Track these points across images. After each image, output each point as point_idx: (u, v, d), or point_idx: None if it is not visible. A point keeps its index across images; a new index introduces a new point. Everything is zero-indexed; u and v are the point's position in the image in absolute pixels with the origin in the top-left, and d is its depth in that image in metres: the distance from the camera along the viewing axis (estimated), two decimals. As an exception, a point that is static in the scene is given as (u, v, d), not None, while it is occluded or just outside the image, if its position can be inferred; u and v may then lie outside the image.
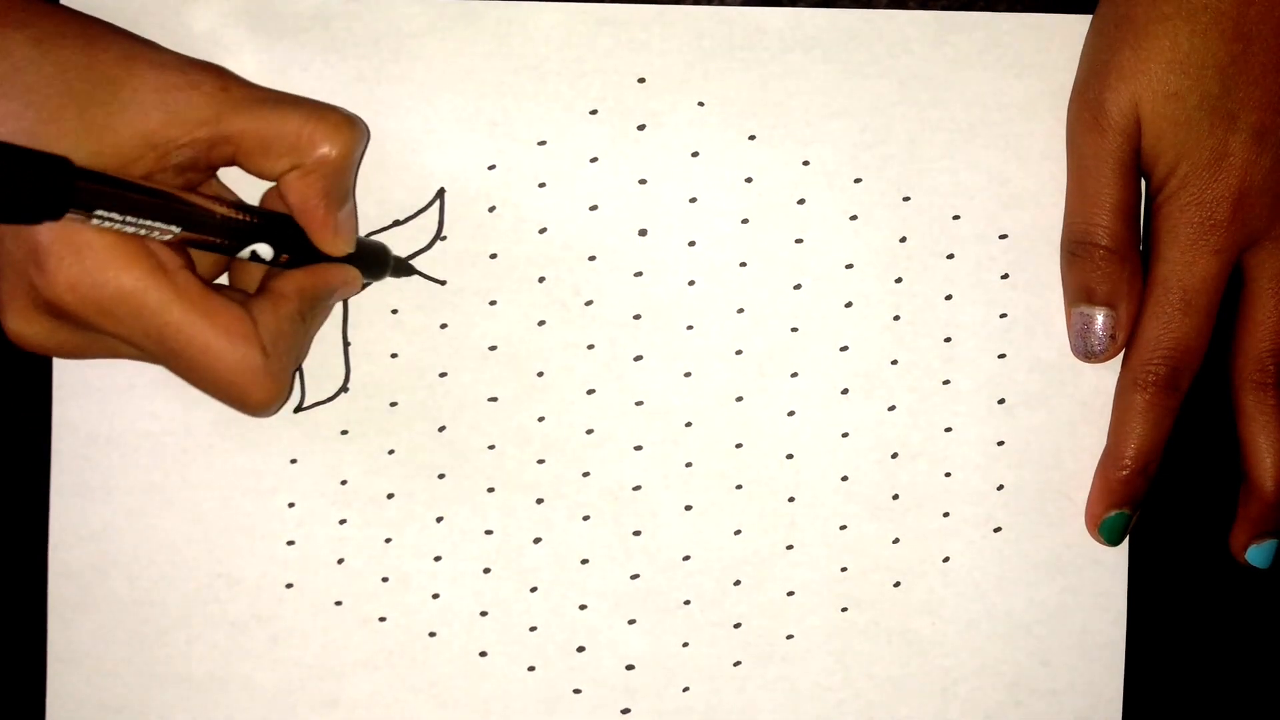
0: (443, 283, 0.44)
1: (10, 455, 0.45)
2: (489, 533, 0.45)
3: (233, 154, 0.38)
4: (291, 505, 0.44)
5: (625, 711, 0.45)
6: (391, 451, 0.44)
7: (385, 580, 0.45)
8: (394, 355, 0.44)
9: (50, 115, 0.35)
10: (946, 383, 0.45)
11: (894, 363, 0.45)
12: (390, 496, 0.45)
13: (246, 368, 0.37)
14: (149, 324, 0.36)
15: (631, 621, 0.45)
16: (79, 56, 0.36)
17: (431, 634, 0.45)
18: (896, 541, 0.45)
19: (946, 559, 0.45)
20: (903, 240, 0.45)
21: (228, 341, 0.37)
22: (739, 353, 0.45)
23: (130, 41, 0.38)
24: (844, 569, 0.45)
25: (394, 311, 0.44)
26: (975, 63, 0.44)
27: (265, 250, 0.39)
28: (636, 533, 0.45)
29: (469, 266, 0.44)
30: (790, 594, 0.45)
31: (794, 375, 0.45)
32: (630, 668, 0.45)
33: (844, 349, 0.45)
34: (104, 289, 0.36)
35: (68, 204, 0.34)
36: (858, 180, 0.44)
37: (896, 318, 0.45)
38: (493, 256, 0.44)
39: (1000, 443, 0.45)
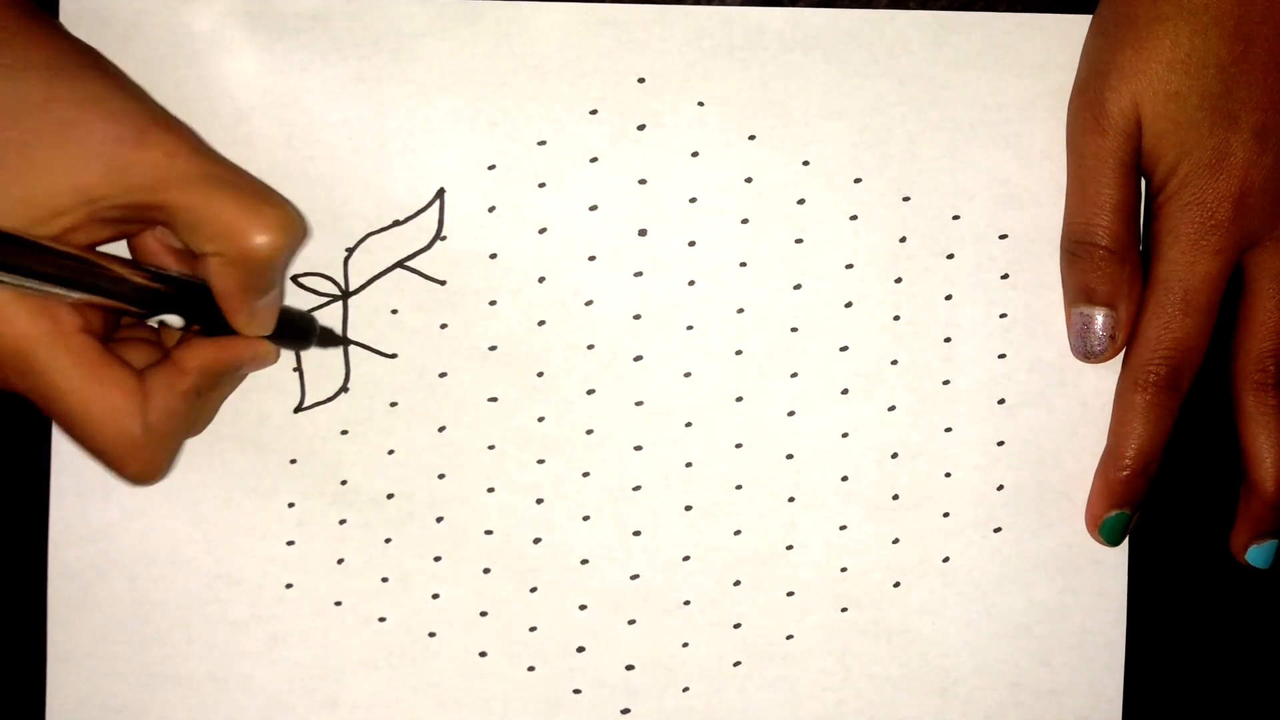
0: (443, 283, 0.44)
1: (10, 455, 0.45)
2: (489, 533, 0.45)
3: (164, 220, 0.37)
4: (291, 505, 0.44)
5: (625, 712, 0.45)
6: (391, 451, 0.44)
7: (385, 580, 0.45)
8: (394, 355, 0.44)
9: None
10: (946, 383, 0.45)
11: (894, 363, 0.45)
12: (390, 496, 0.45)
13: (124, 441, 0.37)
14: (34, 383, 0.36)
15: (631, 621, 0.45)
16: (38, 92, 0.36)
17: (431, 634, 0.45)
18: (896, 541, 0.45)
19: (946, 559, 0.45)
20: (903, 240, 0.45)
21: (108, 415, 0.37)
22: (739, 353, 0.45)
23: (96, 83, 0.37)
24: (844, 569, 0.45)
25: (394, 311, 0.44)
26: (975, 63, 0.44)
27: (174, 320, 0.38)
28: (636, 533, 0.45)
29: (469, 266, 0.44)
30: (790, 594, 0.45)
31: (794, 375, 0.45)
32: (630, 668, 0.45)
33: (844, 349, 0.45)
34: None
35: None
36: (858, 180, 0.44)
37: (896, 318, 0.45)
38: (493, 256, 0.44)
39: (1000, 443, 0.45)
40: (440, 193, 0.44)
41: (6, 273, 0.34)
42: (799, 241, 0.45)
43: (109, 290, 0.37)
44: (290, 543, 0.44)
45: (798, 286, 0.45)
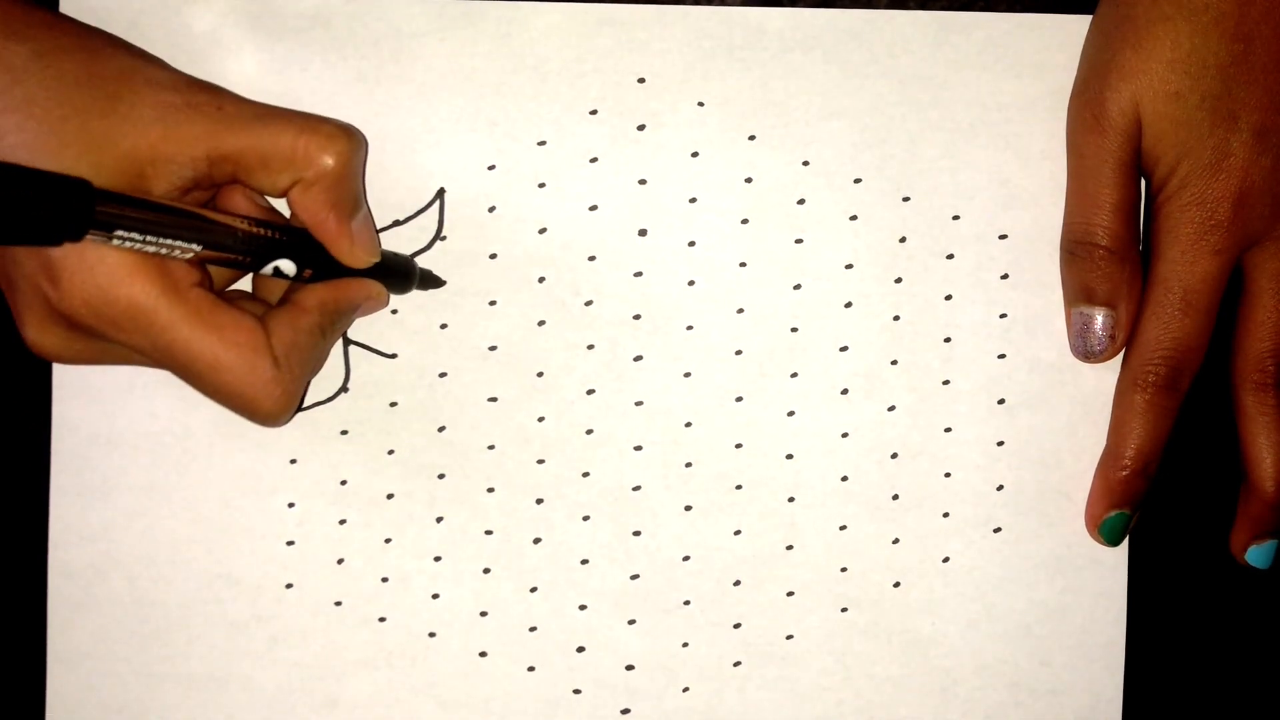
0: (443, 283, 0.44)
1: (10, 455, 0.45)
2: (489, 533, 0.45)
3: (234, 172, 0.38)
4: (291, 505, 0.44)
5: (625, 712, 0.45)
6: (391, 452, 0.44)
7: (385, 580, 0.45)
8: (394, 355, 0.44)
9: (51, 128, 0.35)
10: (946, 383, 0.45)
11: (894, 363, 0.45)
12: (390, 497, 0.45)
13: (256, 379, 0.38)
14: (158, 339, 0.37)
15: (631, 621, 0.45)
16: (79, 70, 0.36)
17: (431, 634, 0.45)
18: (896, 541, 0.45)
19: (946, 559, 0.45)
20: (903, 240, 0.45)
21: (236, 354, 0.37)
22: (739, 353, 0.45)
23: (130, 57, 0.38)
24: (844, 569, 0.45)
25: (394, 312, 0.44)
26: (975, 63, 0.44)
27: (288, 266, 0.39)
28: (636, 533, 0.45)
29: (469, 266, 0.44)
30: (790, 594, 0.45)
31: (794, 375, 0.45)
32: (630, 668, 0.45)
33: (844, 349, 0.45)
34: (115, 305, 0.36)
35: (88, 226, 0.34)
36: (858, 180, 0.44)
37: (896, 318, 0.45)
38: (493, 256, 0.44)
39: (1000, 443, 0.45)
40: (440, 193, 0.44)
41: (126, 231, 0.35)
42: (799, 241, 0.45)
43: (223, 242, 0.37)
44: (290, 543, 0.44)
45: (798, 286, 0.45)
